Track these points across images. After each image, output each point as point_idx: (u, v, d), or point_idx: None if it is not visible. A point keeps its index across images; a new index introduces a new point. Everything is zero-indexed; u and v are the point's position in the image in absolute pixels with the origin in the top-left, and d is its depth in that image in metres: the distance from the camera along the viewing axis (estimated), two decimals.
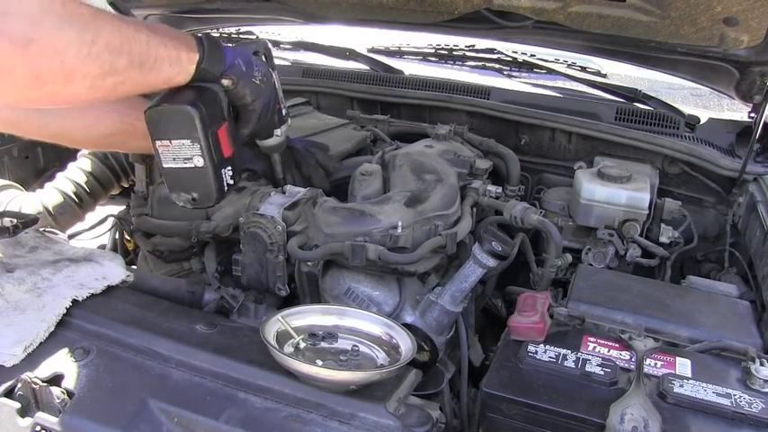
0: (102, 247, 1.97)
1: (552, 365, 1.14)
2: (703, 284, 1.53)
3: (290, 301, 1.47)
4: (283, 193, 1.45)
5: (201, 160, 1.18)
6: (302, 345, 1.14)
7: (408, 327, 1.29)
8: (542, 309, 1.25)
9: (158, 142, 1.18)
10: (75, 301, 1.24)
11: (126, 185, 2.17)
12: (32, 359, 1.13)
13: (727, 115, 2.07)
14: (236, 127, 1.28)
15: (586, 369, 1.13)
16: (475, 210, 1.60)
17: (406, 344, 1.14)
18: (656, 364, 1.16)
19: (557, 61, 2.39)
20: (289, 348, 1.12)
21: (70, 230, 2.00)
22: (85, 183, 2.03)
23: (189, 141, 1.16)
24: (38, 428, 1.06)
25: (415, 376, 1.14)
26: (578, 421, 1.04)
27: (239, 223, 1.40)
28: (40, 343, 1.15)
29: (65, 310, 1.21)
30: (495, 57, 2.43)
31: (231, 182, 1.26)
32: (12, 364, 1.11)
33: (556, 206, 1.87)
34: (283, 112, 1.44)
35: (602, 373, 1.12)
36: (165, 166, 1.20)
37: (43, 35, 0.89)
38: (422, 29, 2.23)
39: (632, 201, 1.70)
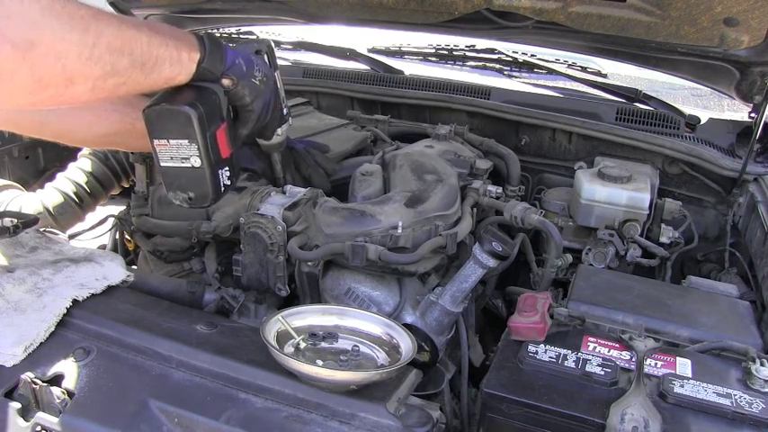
0: (103, 247, 1.97)
1: (552, 365, 1.14)
2: (704, 284, 1.52)
3: (291, 301, 1.47)
4: (283, 193, 1.45)
5: (199, 160, 1.18)
6: (302, 345, 1.14)
7: (408, 327, 1.29)
8: (543, 309, 1.25)
9: (156, 141, 1.18)
10: (75, 302, 1.24)
11: (126, 186, 2.17)
12: (33, 359, 1.13)
13: (727, 115, 2.07)
14: (234, 127, 1.28)
15: (587, 369, 1.13)
16: (475, 210, 1.60)
17: (406, 344, 1.14)
18: (656, 364, 1.16)
19: (557, 61, 2.39)
20: (289, 348, 1.12)
21: (70, 231, 2.00)
22: (86, 183, 2.03)
23: (186, 141, 1.16)
24: (38, 429, 1.06)
25: (415, 376, 1.14)
26: (579, 421, 1.04)
27: (239, 223, 1.40)
28: (41, 343, 1.16)
29: (65, 311, 1.21)
30: (495, 57, 2.43)
31: (228, 182, 1.26)
32: (12, 364, 1.11)
33: (556, 206, 1.87)
34: (284, 111, 1.44)
35: (602, 373, 1.12)
36: (162, 164, 1.21)
37: (45, 38, 0.88)
38: (422, 29, 2.23)
39: (632, 201, 1.70)
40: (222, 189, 1.25)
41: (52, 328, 1.18)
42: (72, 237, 1.97)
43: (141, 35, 1.01)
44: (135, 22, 1.03)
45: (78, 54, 0.92)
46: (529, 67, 2.38)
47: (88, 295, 1.27)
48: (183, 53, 1.10)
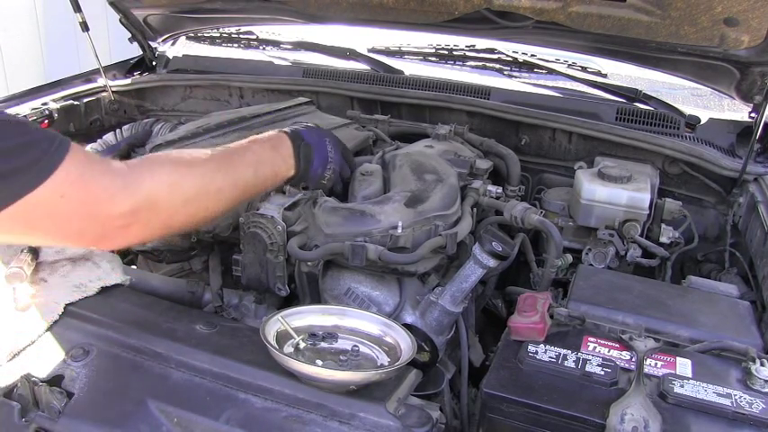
0: None
1: (552, 366, 1.14)
2: (704, 285, 1.52)
3: (290, 301, 1.47)
4: (283, 193, 1.45)
5: None
6: (302, 345, 1.14)
7: (408, 327, 1.29)
8: (542, 309, 1.25)
9: None
10: (68, 303, 1.24)
11: None
12: (32, 359, 1.13)
13: (727, 115, 2.07)
14: None
15: (587, 369, 1.13)
16: (475, 210, 1.60)
17: (406, 344, 1.14)
18: (656, 364, 1.15)
19: (557, 61, 2.38)
20: (289, 348, 1.12)
21: None
22: None
23: None
24: (37, 429, 1.06)
25: (415, 376, 1.14)
26: (578, 421, 1.04)
27: (239, 223, 1.40)
28: (40, 343, 1.15)
29: (57, 316, 1.21)
30: (495, 57, 2.42)
31: None
32: None
33: (556, 206, 1.87)
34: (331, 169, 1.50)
35: (602, 373, 1.12)
36: None
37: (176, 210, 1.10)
38: (422, 29, 2.23)
39: (633, 201, 1.70)
40: None
41: (41, 333, 1.18)
42: None
43: (248, 185, 1.24)
44: (243, 161, 1.24)
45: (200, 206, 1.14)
46: (529, 67, 2.37)
47: (81, 298, 1.27)
48: (278, 180, 1.35)
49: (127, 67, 2.68)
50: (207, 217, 1.18)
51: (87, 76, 2.51)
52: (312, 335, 1.17)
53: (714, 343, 1.22)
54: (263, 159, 1.30)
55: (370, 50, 2.53)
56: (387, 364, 1.12)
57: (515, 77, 2.39)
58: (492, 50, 2.43)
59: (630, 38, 1.85)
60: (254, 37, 2.70)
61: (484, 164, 1.79)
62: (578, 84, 2.26)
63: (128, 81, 2.56)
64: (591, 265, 1.72)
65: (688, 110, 2.09)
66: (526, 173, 2.06)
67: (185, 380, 1.10)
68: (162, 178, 1.06)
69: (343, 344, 1.17)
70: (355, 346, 1.16)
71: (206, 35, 2.72)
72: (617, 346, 1.20)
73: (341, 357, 1.12)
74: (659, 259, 1.76)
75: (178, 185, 1.08)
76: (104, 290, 1.31)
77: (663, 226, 1.78)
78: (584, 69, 2.34)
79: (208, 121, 1.83)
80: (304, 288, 1.41)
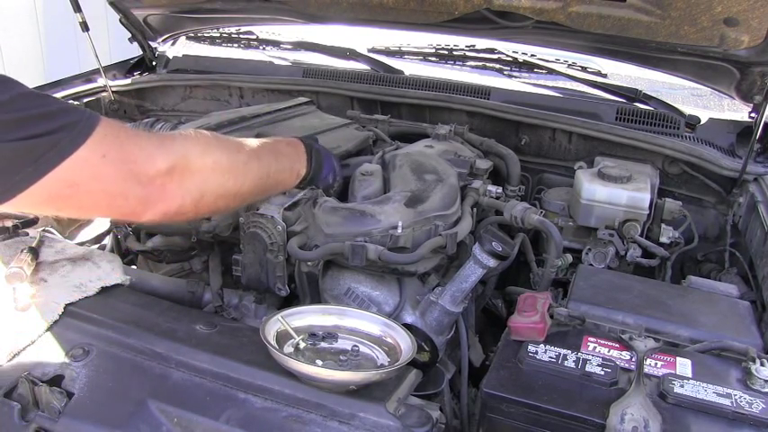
0: (103, 247, 1.97)
1: (552, 366, 1.14)
2: (704, 285, 1.52)
3: (290, 301, 1.47)
4: (283, 193, 1.45)
5: None
6: (302, 345, 1.14)
7: (408, 327, 1.29)
8: (542, 309, 1.25)
9: None
10: (68, 303, 1.24)
11: None
12: (32, 359, 1.13)
13: (727, 115, 2.07)
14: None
15: (587, 369, 1.13)
16: (475, 210, 1.60)
17: (406, 344, 1.14)
18: (656, 364, 1.15)
19: (557, 61, 2.39)
20: (289, 348, 1.12)
21: (71, 230, 2.00)
22: None
23: None
24: (37, 429, 1.06)
25: (415, 376, 1.14)
26: (578, 421, 1.04)
27: (239, 223, 1.40)
28: (40, 343, 1.15)
29: (57, 316, 1.21)
30: (495, 57, 2.42)
31: None
32: None
33: (556, 206, 1.87)
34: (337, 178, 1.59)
35: (602, 373, 1.12)
36: None
37: (209, 189, 1.16)
38: (422, 29, 2.23)
39: (633, 201, 1.70)
40: None
41: (41, 333, 1.18)
42: (72, 237, 1.97)
43: (270, 170, 1.30)
44: (263, 148, 1.30)
45: (231, 195, 1.21)
46: (529, 67, 2.37)
47: (81, 298, 1.27)
48: (294, 176, 1.41)
49: (127, 67, 2.68)
50: (236, 192, 1.20)
51: (87, 76, 2.51)
52: (312, 335, 1.17)
53: (714, 343, 1.22)
54: (282, 151, 1.38)
55: (370, 50, 2.53)
56: (387, 364, 1.12)
57: (515, 77, 2.39)
58: (492, 50, 2.43)
59: (630, 38, 1.85)
60: (254, 37, 2.70)
61: (484, 164, 1.79)
62: (578, 84, 2.26)
63: (128, 81, 2.56)
64: (591, 265, 1.72)
65: (688, 110, 2.09)
66: (526, 173, 2.06)
67: (185, 380, 1.10)
68: (192, 141, 1.13)
69: (343, 344, 1.17)
70: (355, 346, 1.16)
71: (206, 35, 2.72)
72: (617, 346, 1.20)
73: (341, 357, 1.12)
74: (659, 259, 1.76)
75: (208, 149, 1.14)
76: (104, 290, 1.31)
77: (663, 226, 1.78)
78: (584, 69, 2.34)
79: (208, 121, 1.83)
80: (304, 288, 1.41)
